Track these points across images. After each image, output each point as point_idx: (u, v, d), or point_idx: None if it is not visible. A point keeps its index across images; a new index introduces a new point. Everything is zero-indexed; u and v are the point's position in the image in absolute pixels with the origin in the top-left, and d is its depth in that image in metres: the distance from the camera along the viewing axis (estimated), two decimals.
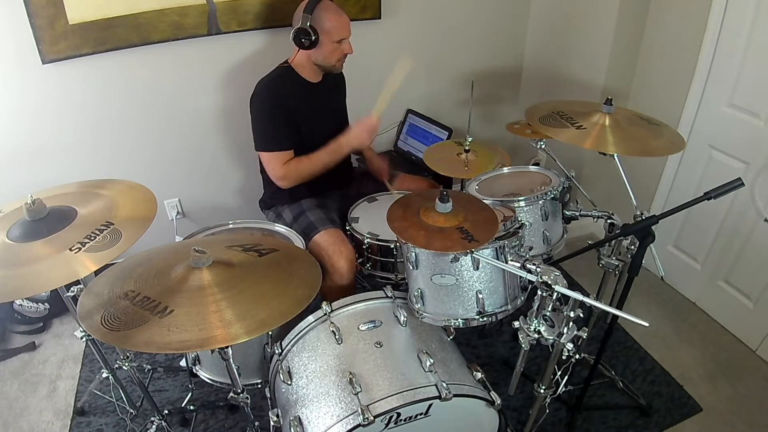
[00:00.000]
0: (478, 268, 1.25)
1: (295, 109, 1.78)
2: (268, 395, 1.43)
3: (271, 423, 1.28)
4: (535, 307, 1.17)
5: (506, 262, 1.24)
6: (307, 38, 1.68)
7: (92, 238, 1.13)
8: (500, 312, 1.31)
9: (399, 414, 1.15)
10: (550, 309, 1.16)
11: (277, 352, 1.38)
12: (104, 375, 1.65)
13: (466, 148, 1.86)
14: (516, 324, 1.20)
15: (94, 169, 2.13)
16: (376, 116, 1.82)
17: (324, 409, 1.18)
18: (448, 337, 1.42)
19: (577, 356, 1.18)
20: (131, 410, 1.75)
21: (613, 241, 1.49)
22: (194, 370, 1.54)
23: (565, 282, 1.10)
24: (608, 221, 1.55)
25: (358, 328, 1.34)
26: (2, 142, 1.98)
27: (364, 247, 1.69)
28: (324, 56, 1.75)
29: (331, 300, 1.40)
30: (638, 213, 1.40)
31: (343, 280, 1.72)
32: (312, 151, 1.86)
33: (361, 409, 1.10)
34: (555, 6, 2.48)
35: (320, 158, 1.82)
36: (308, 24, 1.67)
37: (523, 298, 1.35)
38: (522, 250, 1.32)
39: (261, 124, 1.77)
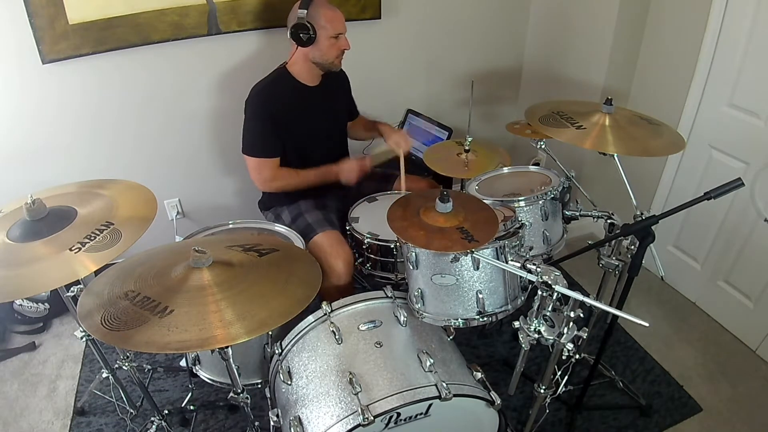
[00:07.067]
0: (478, 268, 1.25)
1: (288, 115, 1.79)
2: (268, 395, 1.42)
3: (271, 423, 1.28)
4: (535, 307, 1.17)
5: (506, 262, 1.24)
6: (305, 33, 1.68)
7: (92, 238, 1.13)
8: (500, 312, 1.31)
9: (399, 414, 1.15)
10: (550, 309, 1.16)
11: (277, 352, 1.38)
12: (104, 375, 1.66)
13: (466, 148, 1.86)
14: (516, 324, 1.19)
15: (94, 169, 2.13)
16: (371, 162, 1.91)
17: (324, 409, 1.18)
18: (448, 337, 1.42)
19: (577, 356, 1.18)
20: (131, 410, 1.75)
21: (613, 241, 1.49)
22: (194, 370, 1.54)
23: (565, 282, 1.09)
24: (608, 221, 1.55)
25: (358, 328, 1.34)
26: (2, 142, 1.98)
27: (364, 247, 1.69)
28: (321, 53, 1.75)
29: (330, 300, 1.40)
30: (638, 213, 1.40)
31: (340, 281, 1.72)
32: (309, 154, 1.88)
33: (361, 409, 1.10)
34: (555, 6, 2.48)
35: (309, 177, 1.87)
36: (305, 20, 1.67)
37: (523, 298, 1.35)
38: (522, 250, 1.32)
39: (250, 129, 1.79)
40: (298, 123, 1.81)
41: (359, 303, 1.41)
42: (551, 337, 1.15)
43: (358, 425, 1.10)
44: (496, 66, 2.71)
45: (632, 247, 1.44)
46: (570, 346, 1.14)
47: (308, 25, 1.68)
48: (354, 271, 1.77)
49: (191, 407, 1.79)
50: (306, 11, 1.67)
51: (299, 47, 1.74)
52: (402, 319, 1.35)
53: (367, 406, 1.11)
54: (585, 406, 1.73)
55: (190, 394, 1.84)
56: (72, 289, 1.36)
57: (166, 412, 1.69)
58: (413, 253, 1.29)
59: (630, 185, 1.46)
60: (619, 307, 1.35)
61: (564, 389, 1.38)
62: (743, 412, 1.80)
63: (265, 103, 1.76)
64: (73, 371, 2.04)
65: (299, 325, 1.38)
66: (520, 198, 1.50)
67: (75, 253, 1.09)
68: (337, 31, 1.73)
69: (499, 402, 1.25)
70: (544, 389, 1.37)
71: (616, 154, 1.46)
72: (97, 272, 1.11)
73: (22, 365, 2.07)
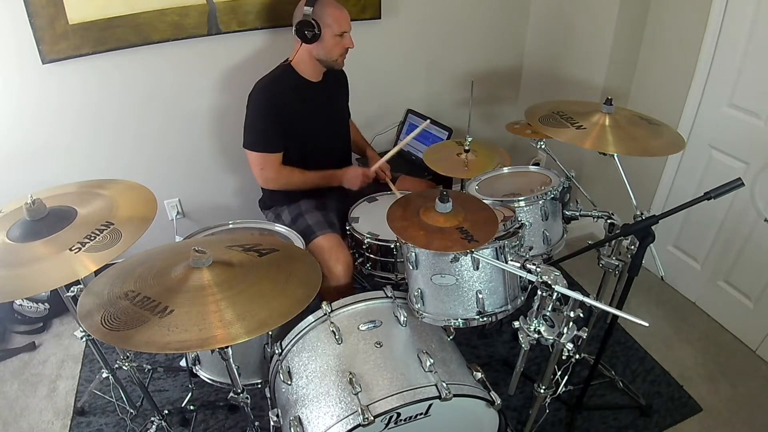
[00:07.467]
0: (478, 268, 1.25)
1: (292, 110, 1.78)
2: (268, 395, 1.43)
3: (271, 423, 1.28)
4: (535, 307, 1.17)
5: (506, 262, 1.24)
6: (310, 30, 1.69)
7: (92, 238, 1.13)
8: (500, 312, 1.31)
9: (399, 414, 1.15)
10: (550, 309, 1.16)
11: (277, 352, 1.38)
12: (104, 375, 1.66)
13: (466, 148, 1.85)
14: (516, 324, 1.20)
15: (94, 169, 2.13)
16: (373, 170, 1.94)
17: (324, 409, 1.18)
18: (448, 337, 1.42)
19: (577, 356, 1.18)
20: (131, 410, 1.75)
21: (613, 241, 1.49)
22: (194, 370, 1.54)
23: (565, 282, 1.10)
24: (608, 221, 1.55)
25: (358, 328, 1.34)
26: (2, 142, 1.98)
27: (364, 247, 1.69)
28: (326, 50, 1.76)
29: (330, 300, 1.40)
30: (638, 213, 1.40)
31: (339, 283, 1.72)
32: (310, 150, 1.88)
33: (361, 409, 1.10)
34: (555, 6, 2.48)
35: (313, 179, 1.88)
36: (310, 17, 1.67)
37: (523, 298, 1.35)
38: (522, 250, 1.32)
39: (253, 124, 1.78)
40: (301, 118, 1.81)
41: (359, 303, 1.41)
42: (551, 337, 1.16)
43: (358, 425, 1.10)
44: (496, 66, 2.71)
45: (632, 247, 1.44)
46: (570, 346, 1.14)
47: (313, 22, 1.68)
48: (354, 272, 1.77)
49: (191, 407, 1.79)
50: (312, 8, 1.68)
51: (303, 44, 1.74)
52: (402, 319, 1.35)
53: (367, 406, 1.11)
54: (585, 406, 1.73)
55: (190, 394, 1.84)
56: (72, 289, 1.36)
57: (166, 412, 1.69)
58: (413, 253, 1.29)
59: (630, 185, 1.46)
60: (619, 307, 1.35)
61: (564, 389, 1.38)
62: (743, 412, 1.80)
63: (270, 98, 1.76)
64: (73, 371, 2.04)
65: (299, 325, 1.38)
66: (520, 198, 1.50)
67: (75, 253, 1.09)
68: (342, 29, 1.73)
69: (499, 402, 1.25)
70: (544, 389, 1.37)
71: (616, 154, 1.46)
72: (97, 272, 1.11)
73: (22, 365, 2.07)
